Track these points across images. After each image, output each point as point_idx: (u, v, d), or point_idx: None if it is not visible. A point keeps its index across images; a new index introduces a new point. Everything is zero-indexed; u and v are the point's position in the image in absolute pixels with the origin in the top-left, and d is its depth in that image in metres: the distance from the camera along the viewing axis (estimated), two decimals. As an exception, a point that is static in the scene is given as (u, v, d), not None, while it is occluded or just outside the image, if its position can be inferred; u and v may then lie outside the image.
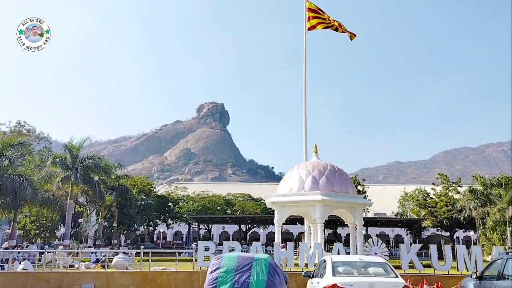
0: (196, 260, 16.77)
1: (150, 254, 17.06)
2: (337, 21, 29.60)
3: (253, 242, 16.01)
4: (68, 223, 37.88)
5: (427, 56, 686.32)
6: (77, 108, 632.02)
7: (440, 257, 16.07)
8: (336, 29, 29.29)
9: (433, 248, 15.77)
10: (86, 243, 52.80)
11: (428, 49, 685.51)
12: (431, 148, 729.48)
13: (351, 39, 29.96)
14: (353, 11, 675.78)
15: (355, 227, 25.47)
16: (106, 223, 50.63)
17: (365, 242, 20.76)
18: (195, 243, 27.04)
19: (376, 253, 16.45)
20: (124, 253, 22.63)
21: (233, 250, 15.65)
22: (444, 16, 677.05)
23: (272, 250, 18.79)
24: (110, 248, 43.20)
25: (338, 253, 16.36)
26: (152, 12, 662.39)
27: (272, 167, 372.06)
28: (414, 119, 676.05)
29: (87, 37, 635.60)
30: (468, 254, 15.61)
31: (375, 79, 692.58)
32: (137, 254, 21.10)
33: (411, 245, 64.15)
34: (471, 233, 60.52)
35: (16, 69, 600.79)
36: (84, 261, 24.19)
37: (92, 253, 27.01)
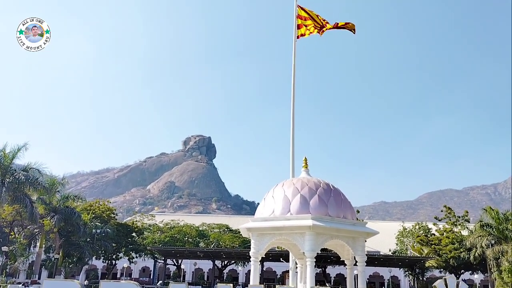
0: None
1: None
2: (327, 23, 24.56)
3: (170, 284, 8.70)
4: (-10, 252, 30.12)
5: (414, 99, 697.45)
6: (59, 137, 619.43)
7: None
8: (323, 28, 24.29)
9: None
10: (18, 278, 43.67)
11: (415, 92, 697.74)
12: (417, 189, 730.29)
13: (354, 30, 24.29)
14: (342, 51, 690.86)
15: (354, 264, 19.17)
16: (52, 253, 42.40)
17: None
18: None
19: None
20: None
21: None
22: (431, 62, 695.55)
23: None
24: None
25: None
26: (142, 45, 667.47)
27: (258, 203, 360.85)
28: (399, 159, 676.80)
29: (78, 67, 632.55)
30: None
31: (361, 120, 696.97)
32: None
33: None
34: (475, 276, 53.62)
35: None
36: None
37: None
